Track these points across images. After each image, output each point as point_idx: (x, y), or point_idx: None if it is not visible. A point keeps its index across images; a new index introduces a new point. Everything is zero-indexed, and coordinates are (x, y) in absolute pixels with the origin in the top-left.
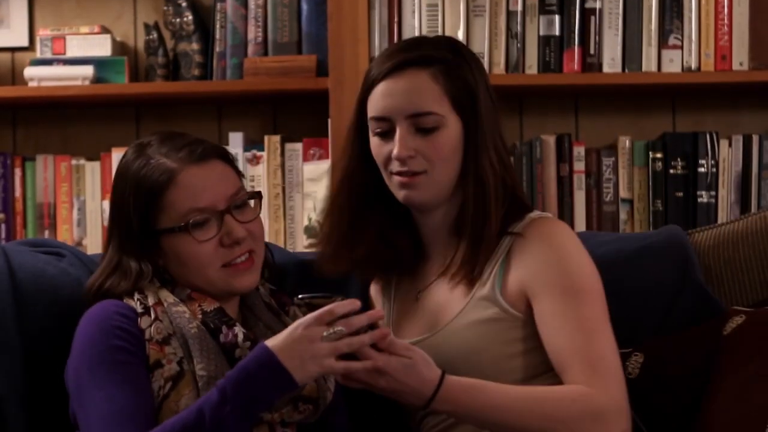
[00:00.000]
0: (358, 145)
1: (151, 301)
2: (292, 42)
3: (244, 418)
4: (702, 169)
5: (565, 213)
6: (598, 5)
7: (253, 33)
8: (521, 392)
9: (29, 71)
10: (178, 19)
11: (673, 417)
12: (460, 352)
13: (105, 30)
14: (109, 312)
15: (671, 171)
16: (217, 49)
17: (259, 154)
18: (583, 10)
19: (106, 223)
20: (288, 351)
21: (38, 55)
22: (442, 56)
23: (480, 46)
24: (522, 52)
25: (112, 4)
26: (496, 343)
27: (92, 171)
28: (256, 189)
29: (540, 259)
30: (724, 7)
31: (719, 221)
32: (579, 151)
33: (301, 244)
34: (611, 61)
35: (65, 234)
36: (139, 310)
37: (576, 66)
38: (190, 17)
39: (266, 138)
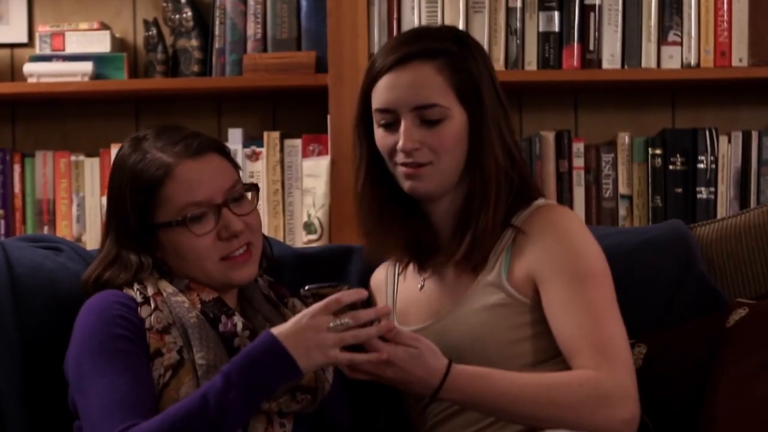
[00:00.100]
0: (366, 136)
1: (150, 291)
2: (291, 38)
3: (247, 404)
4: (701, 165)
5: None
6: (597, 1)
7: (252, 29)
8: (527, 379)
9: (28, 67)
10: (177, 16)
11: (676, 408)
12: (466, 337)
13: (104, 26)
14: (110, 301)
15: (670, 167)
16: (217, 45)
17: (258, 150)
18: (582, 6)
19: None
20: (294, 339)
21: (37, 51)
22: (446, 48)
23: (479, 42)
24: (521, 49)
25: (112, 1)
26: (502, 329)
27: (91, 167)
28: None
29: (547, 244)
30: (723, 3)
31: (718, 217)
32: (578, 147)
33: (301, 240)
34: (611, 57)
35: (65, 230)
36: (139, 299)
37: (575, 62)
38: (190, 13)
39: (265, 134)
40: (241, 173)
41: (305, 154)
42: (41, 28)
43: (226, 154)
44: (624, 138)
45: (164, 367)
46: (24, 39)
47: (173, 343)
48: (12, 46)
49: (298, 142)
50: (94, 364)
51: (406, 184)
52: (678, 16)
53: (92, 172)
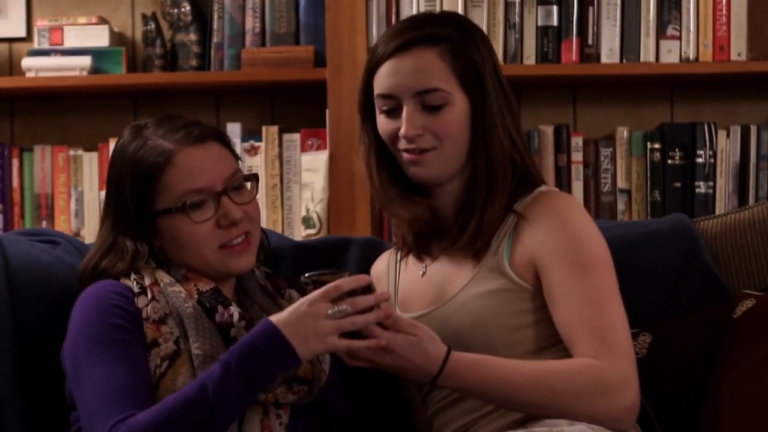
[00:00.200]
0: (369, 123)
1: (147, 281)
2: (289, 32)
3: (247, 393)
4: (700, 160)
5: None
6: None
7: (250, 23)
8: (526, 366)
9: (27, 62)
10: (175, 10)
11: (679, 398)
12: (468, 323)
13: (103, 20)
14: (107, 291)
15: (669, 161)
16: (215, 39)
17: (256, 144)
18: (581, 0)
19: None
20: (292, 327)
21: (36, 45)
22: (448, 34)
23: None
24: (520, 43)
25: None
26: (504, 315)
27: (90, 161)
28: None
29: (548, 231)
30: None
31: (717, 212)
32: (577, 141)
33: (299, 234)
34: (609, 51)
35: (63, 224)
36: (136, 289)
37: (574, 56)
38: (188, 8)
39: (264, 128)
40: (240, 164)
41: (304, 149)
42: (39, 23)
43: (227, 143)
44: (622, 132)
45: (161, 358)
46: (22, 33)
47: (170, 334)
48: (10, 40)
49: (296, 136)
50: (90, 354)
51: (409, 170)
52: (677, 11)
53: (91, 167)
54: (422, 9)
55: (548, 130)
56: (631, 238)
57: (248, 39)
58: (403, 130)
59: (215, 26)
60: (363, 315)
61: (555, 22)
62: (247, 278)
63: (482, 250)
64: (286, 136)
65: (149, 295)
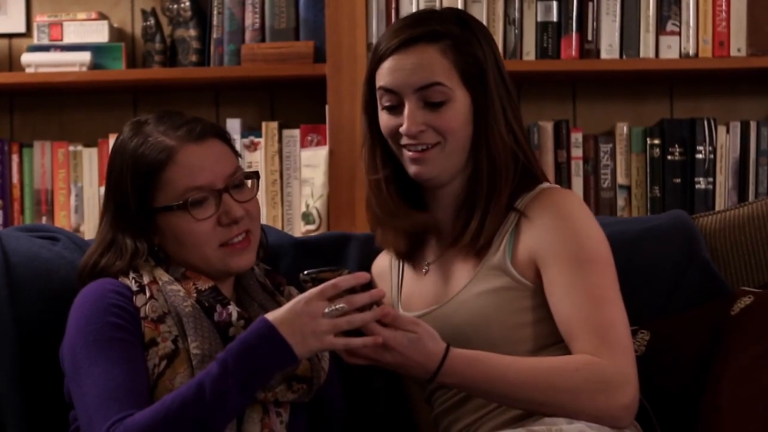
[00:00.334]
0: (372, 119)
1: (146, 279)
2: (289, 28)
3: (244, 391)
4: (700, 156)
5: None
6: None
7: (250, 19)
8: (525, 363)
9: (26, 57)
10: (175, 6)
11: (678, 396)
12: (470, 321)
13: (102, 16)
14: (105, 290)
15: (669, 157)
16: (215, 35)
17: (256, 140)
18: None
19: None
20: (289, 325)
21: (35, 41)
22: (450, 30)
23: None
24: (519, 39)
25: None
26: (507, 312)
27: (90, 157)
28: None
29: (549, 227)
30: None
31: (717, 208)
32: (577, 137)
33: (299, 230)
34: (609, 47)
35: (63, 220)
36: (134, 288)
37: (574, 52)
38: (188, 3)
39: (264, 124)
40: (240, 161)
41: (303, 144)
42: (39, 18)
43: (228, 141)
44: (622, 128)
45: (159, 357)
46: (22, 29)
47: (168, 333)
48: (10, 36)
49: (296, 132)
50: (89, 353)
51: (411, 169)
52: (676, 6)
53: (90, 163)
54: (422, 4)
55: (548, 126)
56: (630, 234)
57: (248, 35)
58: (405, 127)
59: (215, 22)
60: (360, 314)
61: (555, 18)
62: (246, 275)
63: (484, 248)
64: (286, 132)
65: (147, 294)
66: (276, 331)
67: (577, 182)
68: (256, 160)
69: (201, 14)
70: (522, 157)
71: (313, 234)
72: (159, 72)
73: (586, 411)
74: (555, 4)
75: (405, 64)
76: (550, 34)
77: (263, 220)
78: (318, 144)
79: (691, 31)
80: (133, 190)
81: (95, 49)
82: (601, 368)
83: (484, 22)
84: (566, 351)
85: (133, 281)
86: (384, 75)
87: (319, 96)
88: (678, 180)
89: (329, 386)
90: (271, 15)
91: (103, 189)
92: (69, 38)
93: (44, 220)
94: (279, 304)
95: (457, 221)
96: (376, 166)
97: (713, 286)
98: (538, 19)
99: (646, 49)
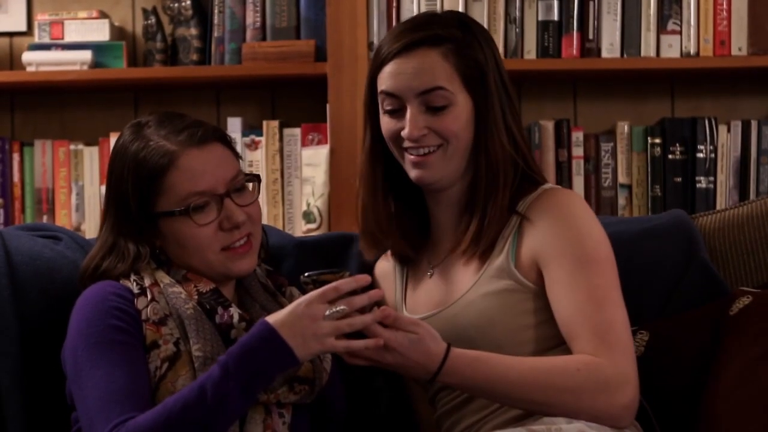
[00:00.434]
0: (372, 123)
1: (147, 282)
2: (290, 27)
3: (245, 394)
4: (701, 155)
5: None
6: None
7: (251, 18)
8: (526, 363)
9: (27, 56)
10: (176, 4)
11: (677, 395)
12: (475, 323)
13: (103, 15)
14: (106, 292)
15: (670, 156)
16: (216, 34)
17: (257, 139)
18: None
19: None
20: (290, 328)
21: (36, 39)
22: (451, 34)
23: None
24: (520, 37)
25: None
26: (511, 315)
27: (91, 156)
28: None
29: (551, 227)
30: None
31: (718, 207)
32: (577, 136)
33: (300, 229)
34: (610, 46)
35: (64, 219)
36: (136, 290)
37: (575, 51)
38: (189, 2)
39: (265, 123)
40: (241, 162)
41: (304, 143)
42: (40, 17)
43: (229, 144)
44: (623, 127)
45: (161, 359)
46: (23, 27)
47: (170, 335)
48: (11, 34)
49: (297, 131)
50: (90, 356)
51: (413, 173)
52: (677, 5)
53: (91, 161)
54: (423, 4)
55: (549, 125)
56: (629, 235)
57: (249, 33)
58: (406, 131)
59: (216, 20)
60: (361, 316)
61: (556, 17)
62: (247, 277)
63: (487, 251)
64: (287, 131)
65: (149, 296)
66: (277, 334)
67: (578, 181)
68: (257, 158)
69: (202, 13)
70: (521, 161)
71: (314, 234)
72: (160, 71)
73: (587, 411)
74: (556, 3)
75: (406, 68)
76: (551, 33)
77: (264, 220)
78: (319, 143)
79: (692, 30)
80: (134, 194)
81: (96, 47)
82: (601, 368)
83: (485, 21)
84: (569, 353)
85: (135, 284)
86: (385, 79)
87: (320, 95)
88: (679, 179)
89: (331, 387)
90: (272, 14)
91: (104, 188)
92: (70, 37)
93: (45, 219)
94: (281, 305)
95: (459, 225)
96: (374, 173)
97: (712, 286)
98: (539, 18)
99: (647, 48)
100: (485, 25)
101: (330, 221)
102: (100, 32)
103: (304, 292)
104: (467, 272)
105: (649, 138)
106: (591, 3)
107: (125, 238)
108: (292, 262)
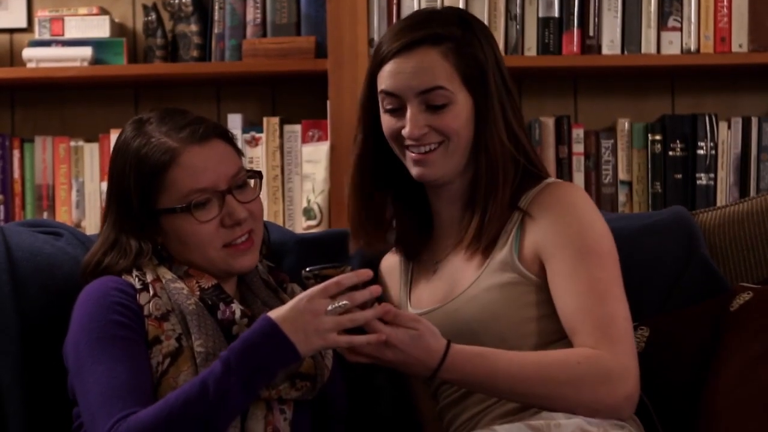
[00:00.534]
0: (370, 121)
1: (149, 277)
2: (290, 23)
3: (247, 389)
4: (701, 152)
5: None
6: None
7: (251, 14)
8: (526, 357)
9: (27, 52)
10: (176, 1)
11: (678, 392)
12: (478, 316)
13: (103, 11)
14: (108, 288)
15: (670, 153)
16: (216, 30)
17: (257, 135)
18: None
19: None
20: (292, 323)
21: (36, 36)
22: (451, 33)
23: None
24: (521, 34)
25: None
26: (514, 307)
27: (91, 152)
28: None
29: (553, 220)
30: None
31: (718, 203)
32: (578, 133)
33: (300, 226)
34: (610, 43)
35: (64, 215)
36: (138, 286)
37: (575, 48)
38: None
39: (265, 120)
40: (243, 160)
41: (305, 140)
42: (40, 13)
43: (230, 140)
44: (624, 124)
45: (163, 355)
46: (23, 24)
47: (172, 331)
48: (11, 31)
49: (297, 127)
50: (92, 351)
51: (414, 171)
52: (678, 2)
53: (92, 158)
54: (423, 0)
55: (549, 122)
56: (629, 231)
57: (249, 30)
58: (407, 130)
59: (216, 17)
60: (362, 312)
61: (556, 14)
62: (249, 273)
63: (490, 245)
64: (287, 127)
65: (151, 292)
66: (279, 329)
67: (579, 178)
68: (257, 155)
69: (202, 9)
70: (522, 157)
71: (315, 230)
72: (160, 67)
73: (588, 403)
74: (556, 0)
75: (406, 68)
76: (552, 30)
77: (264, 217)
78: (319, 139)
79: (693, 27)
80: (135, 191)
81: (96, 44)
82: (602, 360)
83: (486, 18)
84: (571, 347)
85: (137, 279)
86: (385, 78)
87: (320, 91)
88: (679, 176)
89: (332, 384)
90: (273, 10)
91: (104, 184)
92: (70, 33)
93: (45, 215)
94: (282, 302)
95: (461, 220)
96: (371, 170)
97: (712, 282)
98: (540, 15)
99: (648, 45)
100: (486, 22)
101: (330, 218)
102: (100, 29)
103: (305, 287)
104: (470, 267)
105: (649, 135)
106: (591, 0)
107: (127, 234)
108: (293, 259)
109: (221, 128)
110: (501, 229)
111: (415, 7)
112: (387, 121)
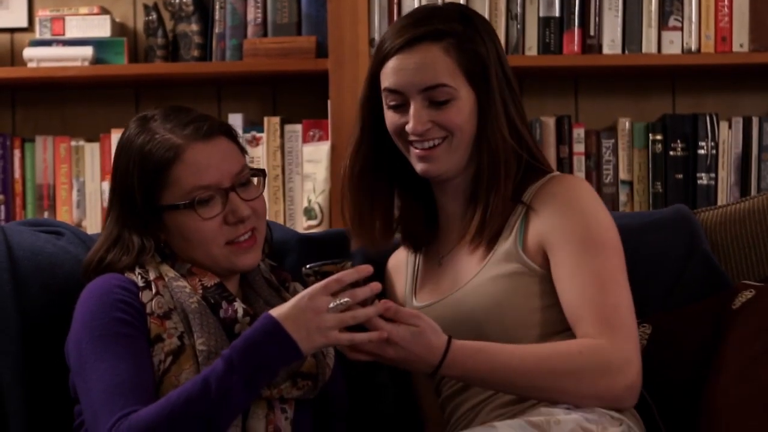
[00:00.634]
0: (371, 118)
1: (152, 275)
2: (291, 23)
3: (249, 388)
4: (702, 151)
5: None
6: None
7: (252, 14)
8: (527, 350)
9: (28, 52)
10: (177, 0)
11: (679, 389)
12: (483, 305)
13: (104, 11)
14: (111, 285)
15: (671, 153)
16: (217, 30)
17: (258, 135)
18: None
19: (105, 204)
20: (293, 321)
21: (37, 35)
22: (453, 29)
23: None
24: (522, 34)
25: None
26: (518, 297)
27: (92, 152)
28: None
29: (557, 211)
30: None
31: (719, 203)
32: (579, 132)
33: (301, 226)
34: (611, 42)
35: (65, 215)
36: (141, 284)
37: (576, 47)
38: None
39: (266, 119)
40: (247, 158)
41: (305, 140)
42: (41, 13)
43: (234, 138)
44: (624, 124)
45: (165, 353)
46: (24, 23)
47: (174, 329)
48: (12, 30)
49: (298, 127)
50: (94, 348)
51: (418, 166)
52: (678, 1)
53: (92, 157)
54: (424, 0)
55: (550, 122)
56: (631, 228)
57: (250, 29)
58: (411, 126)
59: (217, 16)
60: (364, 309)
61: (557, 13)
62: (251, 272)
63: (494, 238)
64: (288, 127)
65: (154, 290)
66: (281, 327)
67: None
68: (258, 155)
69: (203, 9)
70: (525, 152)
71: (315, 230)
72: (161, 67)
73: (589, 393)
74: None
75: (408, 64)
76: (553, 30)
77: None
78: (320, 139)
79: (694, 27)
80: (139, 187)
81: (97, 43)
82: (603, 350)
83: (486, 17)
84: (574, 338)
85: (139, 277)
86: (388, 75)
87: (321, 91)
88: (680, 175)
89: (333, 383)
90: (273, 10)
91: (105, 184)
92: (71, 33)
93: (46, 215)
94: (284, 300)
95: (465, 215)
96: (374, 167)
97: (714, 278)
98: (541, 14)
99: (649, 45)
100: None
101: (331, 218)
102: (101, 28)
103: (305, 283)
104: (474, 259)
105: (650, 134)
106: None
107: (130, 230)
108: (295, 257)
109: (226, 126)
110: (504, 222)
111: (416, 6)
112: (390, 117)
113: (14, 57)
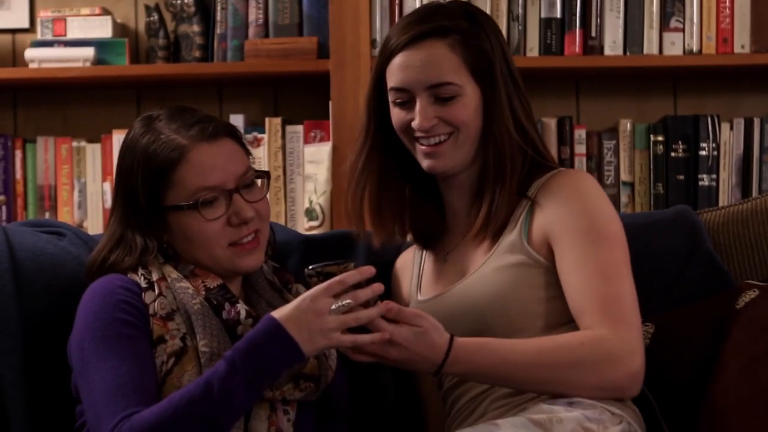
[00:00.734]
0: (377, 116)
1: (155, 276)
2: (293, 24)
3: (252, 389)
4: (703, 152)
5: None
6: None
7: (254, 15)
8: (529, 344)
9: (30, 53)
10: (178, 1)
11: (682, 388)
12: (487, 296)
13: (106, 11)
14: (114, 286)
15: (672, 154)
16: (218, 30)
17: (260, 136)
18: None
19: (107, 205)
20: (296, 323)
21: (39, 36)
22: (458, 25)
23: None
24: (523, 35)
25: None
26: (522, 287)
27: (93, 153)
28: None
29: (562, 204)
30: None
31: (720, 204)
32: (580, 133)
33: (302, 227)
34: (612, 43)
35: (66, 216)
36: (143, 285)
37: (577, 48)
38: None
39: (267, 120)
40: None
41: (307, 141)
42: (43, 14)
43: (239, 139)
44: (626, 125)
45: (167, 354)
46: (25, 24)
47: (176, 330)
48: (13, 31)
49: (299, 128)
50: (97, 349)
51: (425, 163)
52: (680, 2)
53: (94, 158)
54: (425, 1)
55: (551, 123)
56: (633, 227)
57: (251, 30)
58: (417, 123)
59: (218, 17)
60: (365, 311)
61: (558, 14)
62: (254, 273)
63: (499, 231)
64: (289, 128)
65: (156, 291)
66: (283, 329)
67: None
68: (259, 156)
69: (204, 10)
70: (530, 148)
71: (316, 231)
72: (162, 67)
73: (592, 384)
74: (559, 0)
75: (414, 61)
76: (554, 31)
77: None
78: (321, 140)
79: (695, 28)
80: (143, 187)
81: (99, 44)
82: (605, 341)
83: None
84: (578, 329)
85: (142, 278)
86: (394, 72)
87: (322, 92)
88: (681, 177)
89: (336, 384)
90: (275, 10)
91: (106, 185)
92: (72, 33)
93: (47, 215)
94: (287, 302)
95: (471, 210)
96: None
97: (717, 276)
98: (542, 15)
99: (650, 46)
100: None
101: (332, 219)
102: (102, 29)
103: (308, 285)
104: (479, 251)
105: (651, 135)
106: (594, 0)
107: (133, 230)
108: (297, 259)
109: (231, 127)
110: (509, 216)
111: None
112: (396, 114)
113: (16, 58)
